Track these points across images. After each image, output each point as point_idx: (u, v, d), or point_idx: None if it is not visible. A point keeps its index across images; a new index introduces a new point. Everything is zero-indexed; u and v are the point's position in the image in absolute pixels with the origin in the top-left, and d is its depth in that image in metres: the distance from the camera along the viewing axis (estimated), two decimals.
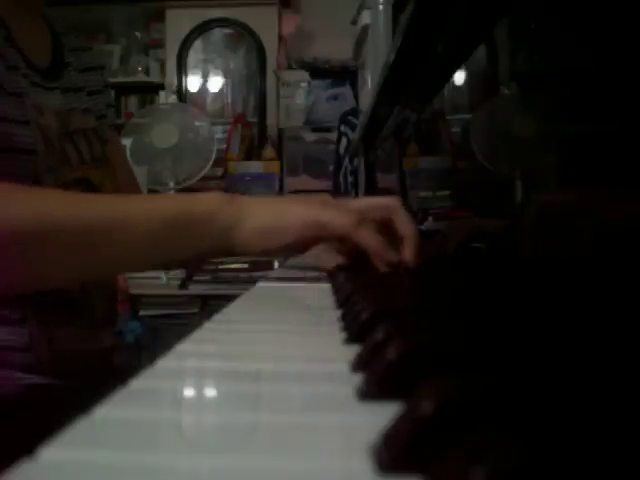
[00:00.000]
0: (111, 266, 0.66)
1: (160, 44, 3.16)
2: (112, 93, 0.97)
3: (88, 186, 0.81)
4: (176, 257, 0.64)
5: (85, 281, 0.74)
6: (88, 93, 0.87)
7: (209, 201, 0.63)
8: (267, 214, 0.63)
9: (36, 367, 0.72)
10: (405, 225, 0.66)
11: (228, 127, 2.94)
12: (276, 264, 2.35)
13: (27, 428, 0.65)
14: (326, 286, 0.66)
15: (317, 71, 2.96)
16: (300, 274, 0.77)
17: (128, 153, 2.61)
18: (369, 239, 0.62)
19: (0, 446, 0.60)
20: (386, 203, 0.68)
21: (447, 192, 2.35)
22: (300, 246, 0.66)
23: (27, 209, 0.58)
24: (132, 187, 1.01)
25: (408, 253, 0.64)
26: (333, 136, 2.81)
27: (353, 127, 2.61)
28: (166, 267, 1.07)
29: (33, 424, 0.66)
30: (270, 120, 3.01)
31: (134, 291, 2.49)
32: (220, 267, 2.44)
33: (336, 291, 0.58)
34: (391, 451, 0.18)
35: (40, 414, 0.68)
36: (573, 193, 0.58)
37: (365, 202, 0.69)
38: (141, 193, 1.03)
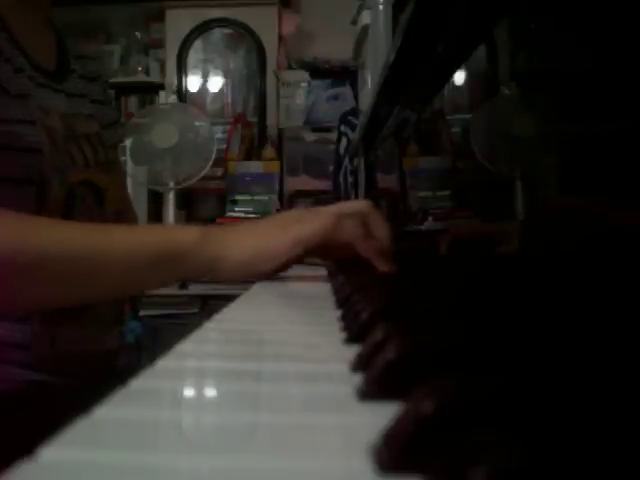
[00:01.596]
0: (90, 296, 0.68)
1: (160, 44, 3.16)
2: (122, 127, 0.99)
3: (92, 188, 0.82)
4: (157, 287, 0.66)
5: (65, 306, 0.75)
6: (91, 101, 0.87)
7: (189, 237, 0.64)
8: (249, 244, 0.65)
9: (37, 365, 0.72)
10: (379, 228, 0.68)
11: (228, 127, 2.94)
12: None
13: (26, 425, 0.66)
14: (326, 286, 0.66)
15: (317, 71, 2.96)
16: (300, 271, 0.77)
17: (128, 153, 2.61)
18: (349, 232, 0.64)
19: (1, 443, 0.60)
20: (360, 208, 0.69)
21: (447, 192, 2.35)
22: (287, 266, 0.68)
23: (9, 238, 0.59)
24: (127, 212, 1.02)
25: (379, 263, 0.66)
26: (333, 136, 2.81)
27: (353, 127, 2.61)
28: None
29: (32, 421, 0.66)
30: (270, 120, 3.01)
31: None
32: None
33: (336, 291, 0.58)
34: (391, 451, 0.18)
35: (39, 412, 0.68)
36: (573, 193, 0.58)
37: (338, 208, 0.70)
38: (135, 216, 1.05)
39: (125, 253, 0.62)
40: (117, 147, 0.95)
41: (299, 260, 0.69)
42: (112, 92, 3.14)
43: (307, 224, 0.65)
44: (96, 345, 0.80)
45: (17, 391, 0.70)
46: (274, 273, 0.68)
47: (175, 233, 0.65)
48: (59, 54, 0.84)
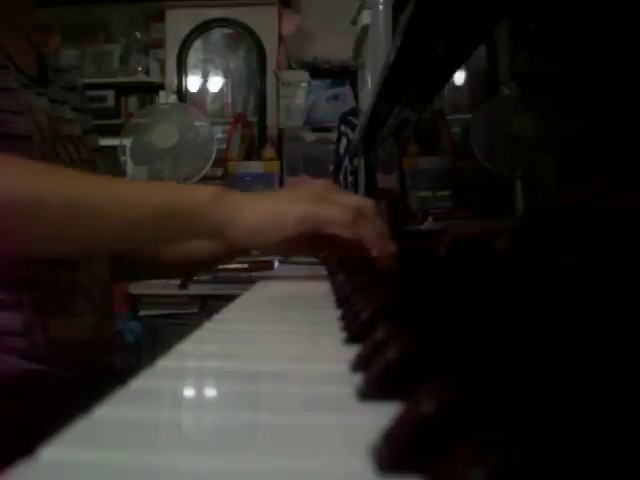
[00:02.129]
0: (91, 245, 0.66)
1: (160, 44, 3.16)
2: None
3: None
4: (162, 243, 0.64)
5: (72, 255, 0.75)
6: (72, 109, 0.89)
7: (203, 195, 0.63)
8: (262, 210, 0.63)
9: (31, 353, 0.72)
10: (378, 227, 0.66)
11: (228, 127, 2.94)
12: (276, 264, 2.35)
13: (24, 414, 0.66)
14: (326, 286, 0.66)
15: (317, 71, 2.96)
16: (300, 269, 0.77)
17: (128, 153, 2.61)
18: (366, 235, 0.63)
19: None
20: (364, 206, 0.67)
21: (447, 192, 2.35)
22: (299, 243, 0.66)
23: (15, 180, 0.59)
24: None
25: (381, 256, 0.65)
26: (333, 136, 2.81)
27: (353, 127, 2.61)
28: (179, 269, 1.08)
29: (29, 411, 0.66)
30: (270, 120, 3.01)
31: (134, 291, 2.49)
32: (220, 267, 2.44)
33: (336, 291, 0.58)
34: (391, 451, 0.18)
35: (36, 401, 0.69)
36: (573, 193, 0.58)
37: (357, 202, 0.67)
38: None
39: (129, 203, 0.61)
40: (98, 152, 0.96)
41: (307, 246, 0.67)
42: (112, 92, 3.15)
43: (328, 207, 0.63)
44: (89, 334, 0.80)
45: (13, 379, 0.71)
46: (289, 250, 0.67)
47: (187, 191, 0.64)
48: (39, 67, 0.86)
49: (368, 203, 0.67)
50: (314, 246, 0.69)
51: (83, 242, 0.64)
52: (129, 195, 0.62)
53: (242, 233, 0.63)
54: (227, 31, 3.11)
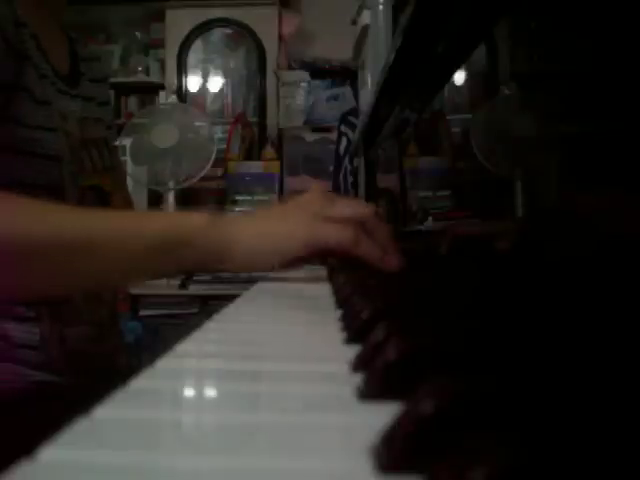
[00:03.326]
0: (90, 283, 0.64)
1: (160, 44, 3.16)
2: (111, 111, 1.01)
3: (100, 193, 0.83)
4: (158, 277, 0.62)
5: (64, 295, 0.73)
6: (98, 104, 0.89)
7: (196, 225, 0.60)
8: (258, 237, 0.61)
9: (46, 365, 0.73)
10: (383, 237, 0.64)
11: (228, 127, 2.94)
12: None
13: (33, 425, 0.66)
14: (326, 286, 0.66)
15: (317, 71, 2.96)
16: (300, 270, 0.77)
17: (128, 153, 2.61)
18: (370, 253, 0.60)
19: (5, 442, 0.60)
20: (362, 216, 0.64)
21: (447, 192, 2.35)
22: (298, 260, 0.64)
23: (6, 222, 0.57)
24: (127, 205, 1.02)
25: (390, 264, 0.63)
26: (333, 136, 2.81)
27: (353, 127, 2.61)
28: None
29: (39, 421, 0.66)
30: (270, 120, 3.01)
31: (134, 291, 2.49)
32: None
33: (336, 291, 0.58)
34: (391, 451, 0.18)
35: (47, 412, 0.68)
36: (573, 193, 0.58)
37: (350, 211, 0.64)
38: (133, 210, 1.05)
39: (123, 238, 0.59)
40: (117, 149, 0.96)
41: (306, 260, 0.66)
42: (111, 91, 3.15)
43: (327, 228, 0.60)
44: (100, 345, 0.81)
45: (27, 392, 0.71)
46: (281, 268, 0.65)
47: (180, 219, 0.62)
48: (71, 58, 0.86)
49: (368, 211, 0.64)
50: (314, 257, 0.67)
51: (79, 282, 0.62)
52: (124, 230, 0.59)
53: (237, 261, 0.60)
54: (227, 31, 3.11)
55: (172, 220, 0.63)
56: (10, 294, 0.62)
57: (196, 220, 0.60)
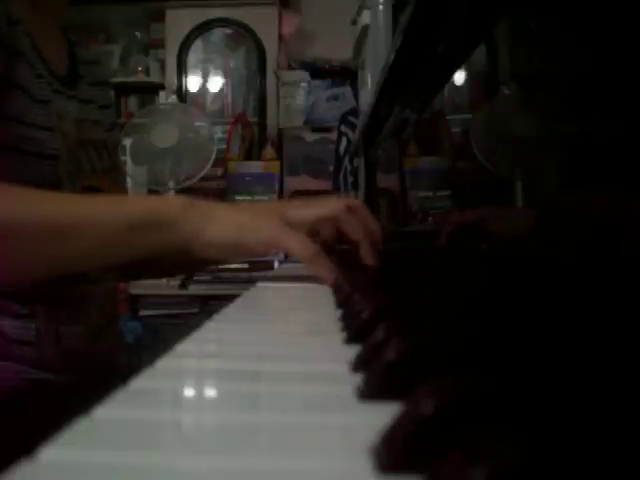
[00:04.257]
0: (73, 264, 0.66)
1: (160, 44, 3.15)
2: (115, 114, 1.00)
3: (98, 194, 0.83)
4: (135, 258, 0.64)
5: (43, 278, 0.73)
6: (98, 107, 0.89)
7: (173, 206, 0.63)
8: (228, 226, 0.63)
9: (41, 362, 0.73)
10: (354, 230, 0.67)
11: (228, 127, 2.94)
12: (276, 264, 2.35)
13: (28, 423, 0.66)
14: (326, 286, 0.66)
15: (317, 71, 2.96)
16: (300, 269, 0.77)
17: (128, 153, 2.61)
18: (323, 272, 0.63)
19: (2, 440, 0.61)
20: (330, 214, 0.68)
21: (447, 192, 2.35)
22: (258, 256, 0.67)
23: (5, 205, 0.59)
24: None
25: (365, 256, 0.66)
26: (333, 136, 2.80)
27: (353, 127, 2.60)
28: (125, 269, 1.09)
29: (34, 419, 0.67)
30: (270, 120, 3.01)
31: (134, 291, 2.49)
32: (220, 267, 2.44)
33: (336, 291, 0.58)
34: (391, 451, 0.18)
35: (44, 409, 0.69)
36: (573, 192, 0.58)
37: (315, 214, 0.68)
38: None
39: (105, 219, 0.61)
40: (117, 151, 0.96)
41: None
42: (112, 92, 3.15)
43: (290, 238, 0.63)
44: (96, 345, 0.81)
45: (22, 389, 0.71)
46: (256, 255, 0.67)
47: (159, 202, 0.65)
48: (70, 60, 0.86)
49: (338, 206, 0.67)
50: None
51: (54, 263, 0.63)
52: (100, 211, 0.62)
53: (205, 245, 0.63)
54: (227, 31, 3.11)
55: (151, 202, 0.65)
56: None
57: (174, 202, 0.63)
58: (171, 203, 0.63)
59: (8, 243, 0.59)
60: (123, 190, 1.01)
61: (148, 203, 0.65)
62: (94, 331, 0.80)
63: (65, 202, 0.63)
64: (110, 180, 0.87)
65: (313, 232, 0.66)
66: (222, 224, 0.63)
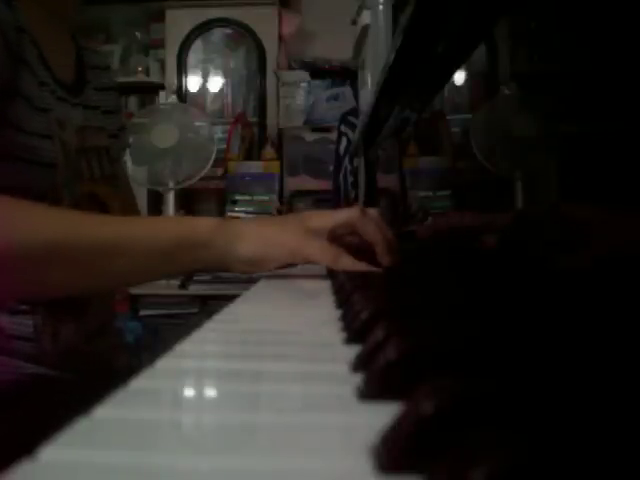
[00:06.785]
0: (112, 283, 0.71)
1: (160, 44, 3.15)
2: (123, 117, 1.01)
3: (95, 201, 0.84)
4: (173, 276, 0.68)
5: (84, 294, 0.78)
6: (103, 112, 0.89)
7: (206, 227, 0.67)
8: (256, 242, 0.67)
9: (39, 358, 0.73)
10: (370, 233, 0.70)
11: (228, 127, 2.94)
12: None
13: (27, 419, 0.66)
14: (326, 286, 0.66)
15: (317, 71, 2.95)
16: (300, 269, 0.78)
17: (128, 153, 2.61)
18: (349, 269, 0.66)
19: (1, 435, 0.61)
20: (346, 220, 0.71)
21: (447, 192, 2.35)
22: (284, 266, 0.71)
23: (33, 226, 0.61)
24: (133, 212, 1.07)
25: (382, 257, 0.69)
26: (333, 136, 2.80)
27: (353, 127, 2.60)
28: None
29: (32, 414, 0.67)
30: (270, 120, 3.00)
31: (134, 291, 2.49)
32: None
33: (336, 291, 0.58)
34: (391, 451, 0.18)
35: (40, 405, 0.69)
36: (573, 193, 0.58)
37: (333, 220, 0.71)
38: (140, 216, 1.08)
39: (142, 241, 0.64)
40: (121, 161, 0.97)
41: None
42: (122, 98, 3.15)
43: (313, 245, 0.67)
44: (94, 344, 0.81)
45: (19, 384, 0.71)
46: (284, 265, 0.70)
47: (194, 222, 0.68)
48: (77, 67, 0.86)
49: (346, 219, 0.70)
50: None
51: (95, 282, 0.67)
52: (137, 234, 0.65)
53: (237, 261, 0.67)
54: (227, 31, 3.11)
55: (185, 224, 0.69)
56: (35, 293, 0.67)
57: (206, 223, 0.67)
58: (204, 224, 0.67)
59: (44, 263, 0.61)
60: (121, 199, 1.00)
61: (181, 226, 0.68)
62: (91, 329, 0.80)
63: (104, 224, 0.66)
64: (109, 187, 0.87)
65: (334, 237, 0.69)
66: (250, 241, 0.67)
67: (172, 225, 0.69)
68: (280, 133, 2.98)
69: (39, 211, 0.64)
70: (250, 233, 0.68)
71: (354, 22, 2.35)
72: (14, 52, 0.71)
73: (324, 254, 0.67)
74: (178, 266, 0.67)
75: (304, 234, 0.68)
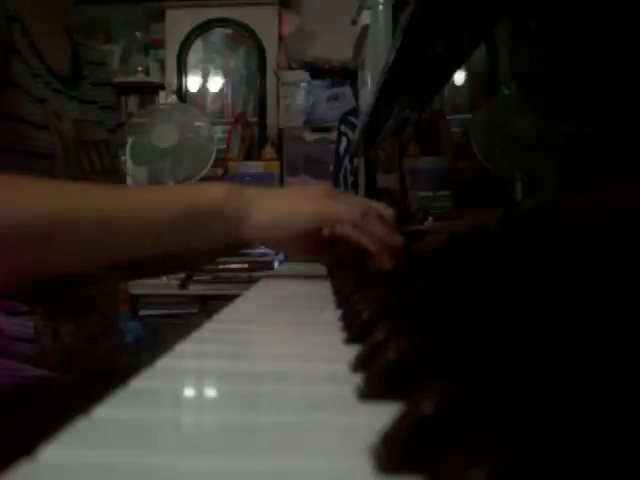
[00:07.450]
0: (119, 255, 0.68)
1: (160, 44, 3.15)
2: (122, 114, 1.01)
3: None
4: (185, 249, 0.65)
5: (98, 268, 0.76)
6: (101, 107, 0.89)
7: (216, 194, 0.64)
8: (276, 206, 0.65)
9: (38, 360, 0.73)
10: (363, 241, 0.67)
11: (228, 127, 2.94)
12: (276, 264, 2.35)
13: (26, 419, 0.66)
14: (326, 286, 0.66)
15: (317, 71, 2.95)
16: (300, 269, 0.78)
17: (128, 153, 2.61)
18: (375, 230, 0.64)
19: (2, 437, 0.61)
20: (346, 219, 0.68)
21: (447, 192, 2.35)
22: (306, 243, 0.67)
23: (40, 200, 0.60)
24: None
25: (378, 263, 0.67)
26: (333, 136, 2.80)
27: (353, 127, 2.60)
28: (182, 264, 1.10)
29: (32, 416, 0.67)
30: (270, 120, 3.01)
31: (134, 291, 2.49)
32: (220, 267, 2.44)
33: (336, 291, 0.58)
34: (391, 451, 0.18)
35: (40, 407, 0.69)
36: (572, 193, 0.58)
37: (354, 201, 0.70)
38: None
39: (149, 211, 0.62)
40: (119, 155, 0.96)
41: (312, 247, 0.68)
42: (122, 98, 3.15)
43: (337, 204, 0.65)
44: (95, 345, 0.81)
45: (21, 386, 0.71)
46: (289, 248, 0.68)
47: (201, 192, 0.65)
48: (72, 61, 0.85)
49: (374, 204, 0.69)
50: (319, 249, 0.69)
51: (108, 254, 0.65)
52: (147, 203, 0.63)
53: (255, 228, 0.64)
54: (227, 31, 3.11)
55: (193, 192, 0.66)
56: (43, 269, 0.65)
57: (217, 189, 0.64)
58: (214, 190, 0.64)
59: (53, 238, 0.59)
60: None
61: (192, 194, 0.65)
62: (93, 331, 0.80)
63: (114, 195, 0.64)
64: (110, 181, 0.87)
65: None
66: (267, 206, 0.64)
67: (180, 194, 0.66)
68: (280, 133, 2.98)
69: (44, 185, 0.62)
70: (265, 197, 0.65)
71: (354, 22, 2.35)
72: (5, 41, 0.70)
73: (350, 211, 0.64)
74: (188, 237, 0.64)
75: (325, 196, 0.65)
